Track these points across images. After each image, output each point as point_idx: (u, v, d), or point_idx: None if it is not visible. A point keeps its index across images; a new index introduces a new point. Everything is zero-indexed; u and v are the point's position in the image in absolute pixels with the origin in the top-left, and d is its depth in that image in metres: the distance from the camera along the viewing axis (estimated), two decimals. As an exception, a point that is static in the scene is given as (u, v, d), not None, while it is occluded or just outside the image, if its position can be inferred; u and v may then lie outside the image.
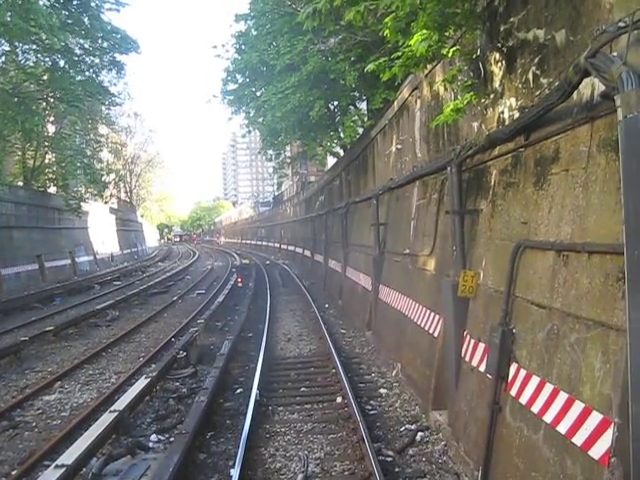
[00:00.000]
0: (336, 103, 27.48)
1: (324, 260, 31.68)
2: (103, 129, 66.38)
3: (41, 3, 30.17)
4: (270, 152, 39.77)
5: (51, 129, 45.93)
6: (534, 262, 6.94)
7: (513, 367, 7.02)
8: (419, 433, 9.82)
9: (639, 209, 4.38)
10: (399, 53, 9.08)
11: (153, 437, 10.04)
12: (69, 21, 33.33)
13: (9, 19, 27.14)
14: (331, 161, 40.00)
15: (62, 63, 35.64)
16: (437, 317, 10.76)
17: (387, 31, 8.96)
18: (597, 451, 5.00)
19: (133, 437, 9.85)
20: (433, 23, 8.21)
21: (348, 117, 25.96)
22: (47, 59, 34.81)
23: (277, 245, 66.94)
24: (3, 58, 35.31)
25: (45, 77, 35.59)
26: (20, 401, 12.34)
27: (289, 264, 48.22)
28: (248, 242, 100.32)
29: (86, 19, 34.97)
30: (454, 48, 9.01)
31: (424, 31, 8.28)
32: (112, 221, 68.89)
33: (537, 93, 7.38)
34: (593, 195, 5.79)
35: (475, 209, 9.52)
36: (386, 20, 8.78)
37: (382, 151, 18.86)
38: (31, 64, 35.28)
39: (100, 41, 37.17)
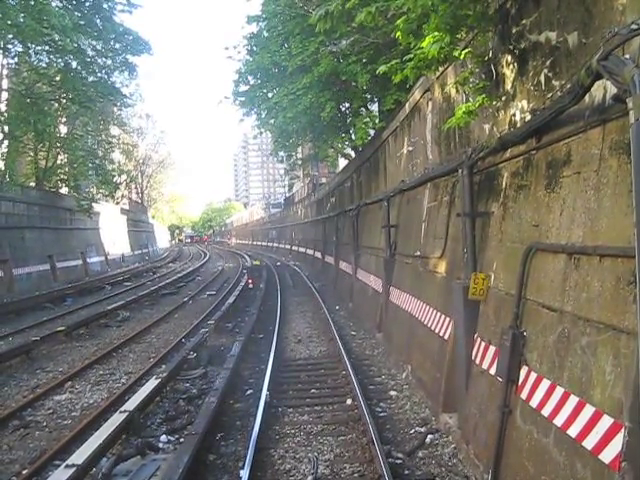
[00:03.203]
0: (347, 105, 27.50)
1: (335, 262, 31.69)
2: (115, 130, 66.63)
3: (54, 4, 30.42)
4: (281, 154, 39.85)
5: (63, 130, 46.18)
6: (545, 265, 6.91)
7: (524, 370, 6.99)
8: (429, 435, 9.80)
9: (651, 212, 4.36)
10: (411, 55, 9.08)
11: (163, 438, 10.06)
12: (81, 22, 33.55)
13: (22, 20, 27.33)
14: (342, 163, 40.06)
15: (74, 64, 35.92)
16: (447, 320, 10.73)
17: (399, 33, 8.97)
18: (607, 455, 4.97)
19: (143, 437, 9.87)
20: (445, 25, 8.20)
21: (359, 119, 25.93)
22: (60, 60, 35.02)
23: (288, 247, 67.03)
24: (16, 59, 35.53)
25: (57, 78, 35.84)
26: (31, 401, 12.39)
27: (300, 265, 48.24)
28: (259, 243, 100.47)
29: (98, 20, 35.25)
30: (466, 50, 8.99)
31: (436, 33, 8.28)
32: (123, 222, 69.13)
33: (549, 95, 7.35)
34: (605, 198, 5.77)
35: (486, 212, 9.50)
36: (398, 22, 8.79)
37: (393, 153, 18.84)
38: (44, 65, 35.49)
39: (112, 42, 37.44)
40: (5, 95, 36.00)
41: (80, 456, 8.05)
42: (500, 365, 7.55)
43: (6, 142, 37.38)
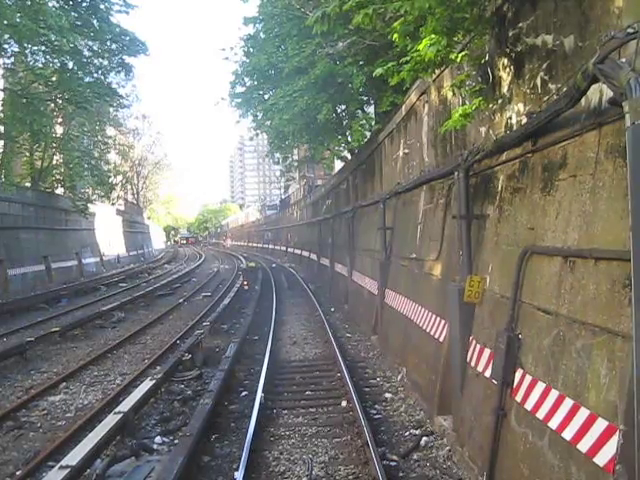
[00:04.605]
0: (344, 107, 27.46)
1: (330, 264, 31.67)
2: (111, 131, 66.51)
3: (50, 4, 30.29)
4: (277, 155, 39.75)
5: (59, 130, 46.01)
6: (541, 268, 6.92)
7: (519, 373, 7.00)
8: (424, 438, 9.80)
9: (646, 216, 4.36)
10: (407, 58, 9.08)
11: (157, 439, 10.06)
12: (78, 23, 33.36)
13: (19, 20, 27.25)
14: (338, 165, 40.00)
15: (71, 64, 35.72)
16: (443, 322, 10.73)
17: (395, 35, 8.97)
18: (602, 458, 4.98)
19: (137, 439, 9.87)
20: (442, 28, 8.20)
21: (356, 121, 25.92)
22: (56, 60, 34.83)
23: (283, 248, 66.94)
24: (12, 59, 35.42)
25: (54, 78, 35.65)
26: (25, 401, 12.37)
27: (295, 267, 48.20)
28: (255, 245, 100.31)
29: (95, 21, 35.04)
30: (463, 53, 9.00)
31: (433, 36, 8.28)
32: (119, 223, 69.01)
33: (545, 99, 7.36)
34: (600, 201, 5.77)
35: (482, 214, 9.50)
36: (395, 24, 8.78)
37: (389, 155, 18.85)
38: (40, 65, 35.33)
39: (109, 43, 37.24)
40: (1, 95, 35.86)
41: (74, 457, 8.03)
42: (495, 368, 7.55)
43: (2, 142, 37.28)
